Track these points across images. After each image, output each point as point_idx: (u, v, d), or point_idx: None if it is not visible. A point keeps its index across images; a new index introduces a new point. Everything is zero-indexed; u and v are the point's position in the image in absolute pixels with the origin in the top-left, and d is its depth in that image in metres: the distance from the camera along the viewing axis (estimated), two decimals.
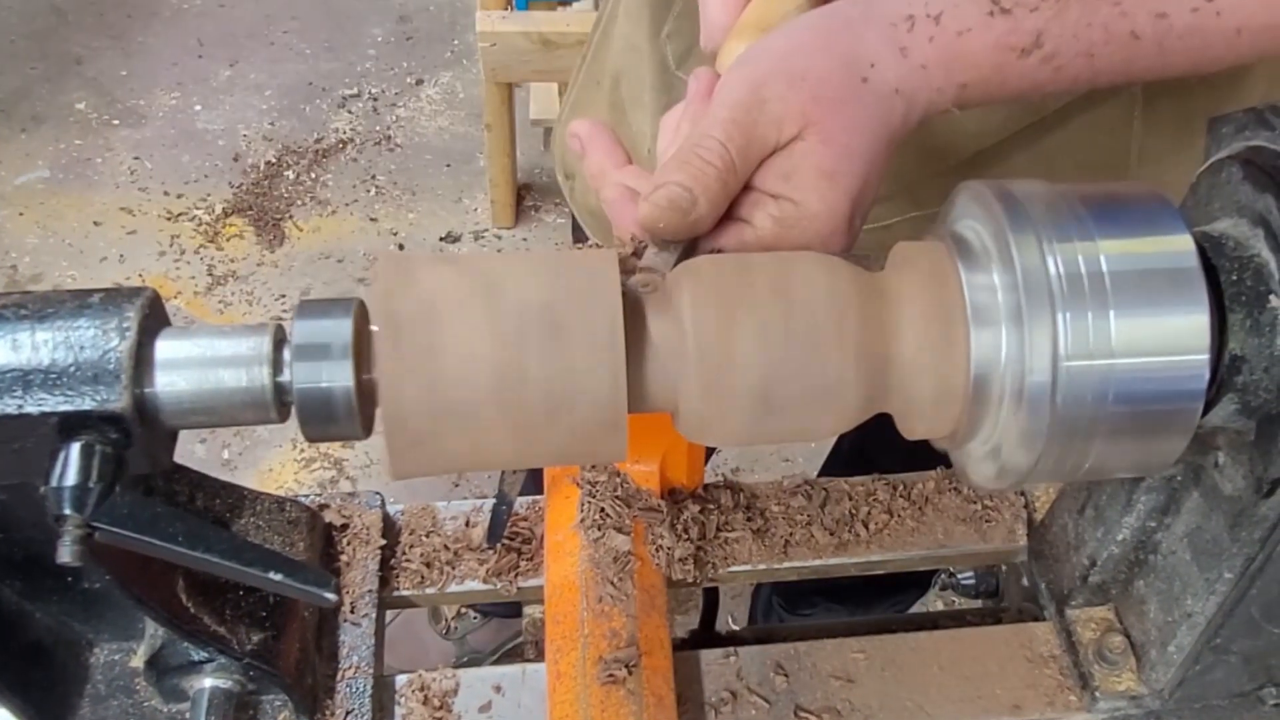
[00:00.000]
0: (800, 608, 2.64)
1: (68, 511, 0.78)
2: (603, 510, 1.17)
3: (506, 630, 2.64)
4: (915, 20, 0.95)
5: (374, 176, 3.95)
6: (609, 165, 1.05)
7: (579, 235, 1.80)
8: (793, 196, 0.93)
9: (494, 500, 1.21)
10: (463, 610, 2.67)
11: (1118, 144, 1.33)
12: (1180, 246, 0.82)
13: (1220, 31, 0.97)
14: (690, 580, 1.20)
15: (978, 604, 1.36)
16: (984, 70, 0.96)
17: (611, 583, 1.12)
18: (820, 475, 1.32)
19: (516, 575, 1.22)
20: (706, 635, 1.32)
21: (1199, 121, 1.31)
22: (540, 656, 1.13)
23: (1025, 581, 1.25)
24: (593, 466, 1.20)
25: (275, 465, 3.20)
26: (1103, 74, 0.99)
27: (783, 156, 0.94)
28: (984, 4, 0.94)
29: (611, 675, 1.05)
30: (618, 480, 1.20)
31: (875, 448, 1.36)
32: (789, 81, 0.93)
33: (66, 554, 0.78)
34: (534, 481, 1.22)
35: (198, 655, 1.00)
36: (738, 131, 0.92)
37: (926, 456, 1.11)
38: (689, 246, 0.94)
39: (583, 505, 1.18)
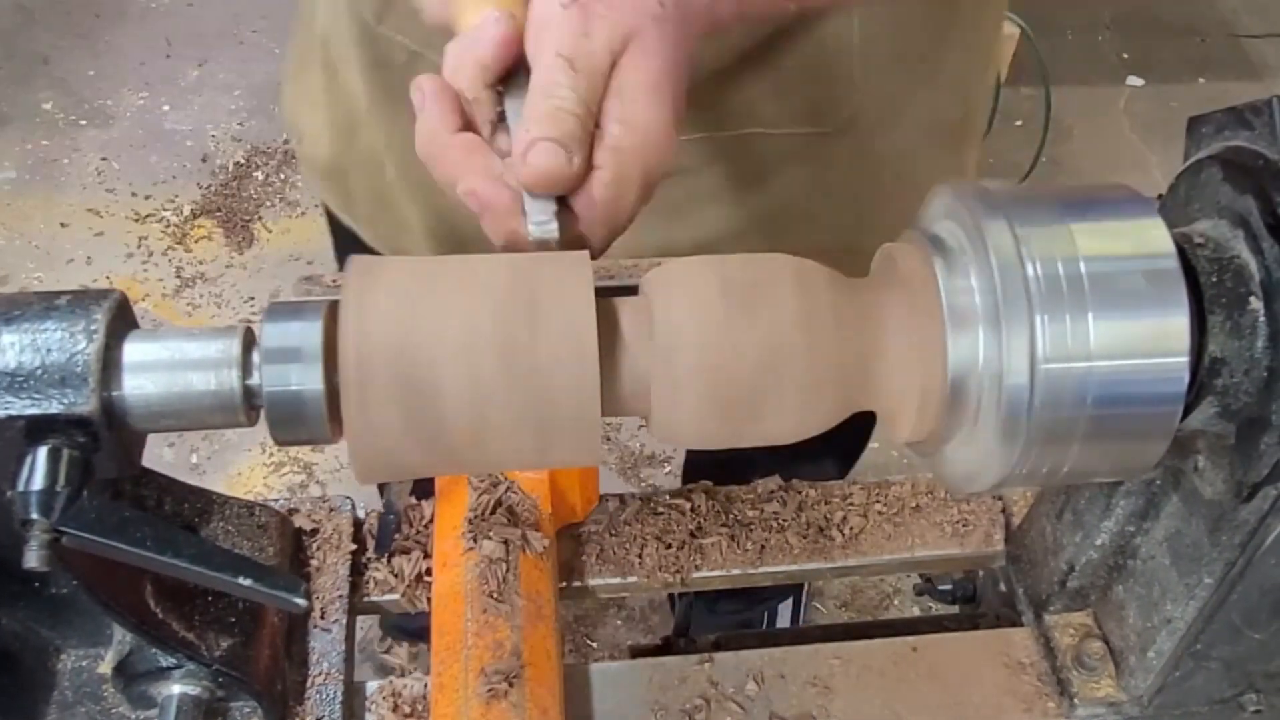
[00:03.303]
0: (721, 604, 2.65)
1: (34, 516, 0.77)
2: (487, 517, 1.16)
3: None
4: None
5: None
6: (442, 128, 0.97)
7: (332, 218, 1.79)
8: (623, 117, 0.92)
9: (381, 510, 1.20)
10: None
11: (842, 53, 1.34)
12: (1160, 248, 0.81)
13: None
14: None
15: (955, 610, 1.35)
16: None
17: (494, 593, 1.11)
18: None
19: None
20: (681, 641, 1.31)
21: (912, 28, 1.36)
22: None
23: (1003, 587, 1.25)
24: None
25: (244, 470, 3.18)
26: None
27: (615, 72, 0.93)
28: None
29: (492, 689, 1.04)
30: (505, 487, 1.19)
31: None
32: (607, 2, 0.92)
33: (33, 559, 0.77)
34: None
35: (166, 661, 0.99)
36: (581, 66, 0.90)
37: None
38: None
39: (469, 513, 1.17)
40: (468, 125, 0.96)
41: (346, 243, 1.73)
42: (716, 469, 1.37)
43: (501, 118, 0.95)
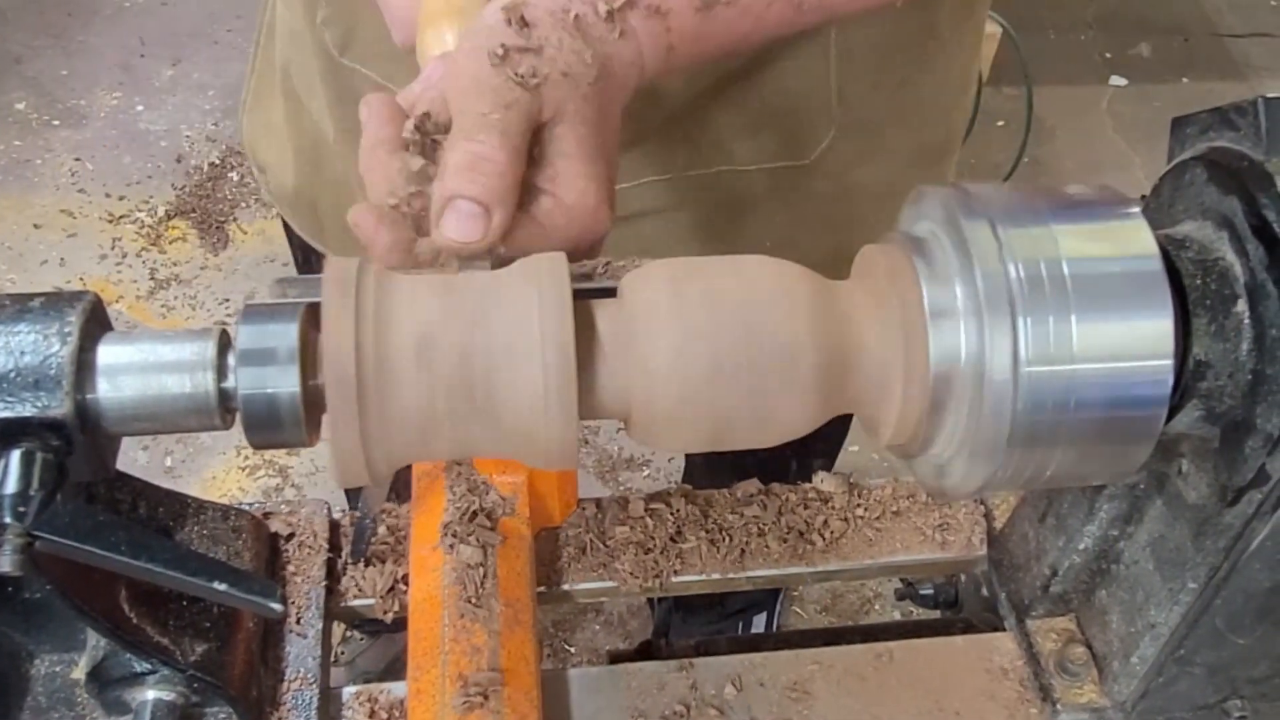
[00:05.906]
0: (694, 616, 2.65)
1: (8, 520, 0.77)
2: (465, 521, 1.15)
3: (394, 646, 2.64)
4: None
5: None
6: (378, 144, 0.94)
7: (291, 235, 1.77)
8: (552, 190, 0.91)
9: (358, 515, 1.19)
10: (348, 634, 2.65)
11: (817, 86, 1.35)
12: (1143, 249, 0.81)
13: None
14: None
15: (936, 615, 1.35)
16: (687, 31, 0.98)
17: (471, 598, 1.10)
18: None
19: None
20: (660, 646, 1.31)
21: (891, 54, 1.37)
22: None
23: (985, 591, 1.24)
24: (458, 475, 1.18)
25: (219, 473, 3.17)
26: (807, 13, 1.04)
27: (541, 143, 0.91)
28: None
29: (467, 701, 1.03)
30: (483, 490, 1.18)
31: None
32: (537, 60, 0.91)
33: (6, 563, 0.77)
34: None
35: (140, 667, 0.98)
36: (512, 116, 0.88)
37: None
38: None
39: (445, 517, 1.16)
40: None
41: (314, 266, 1.72)
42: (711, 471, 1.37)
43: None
